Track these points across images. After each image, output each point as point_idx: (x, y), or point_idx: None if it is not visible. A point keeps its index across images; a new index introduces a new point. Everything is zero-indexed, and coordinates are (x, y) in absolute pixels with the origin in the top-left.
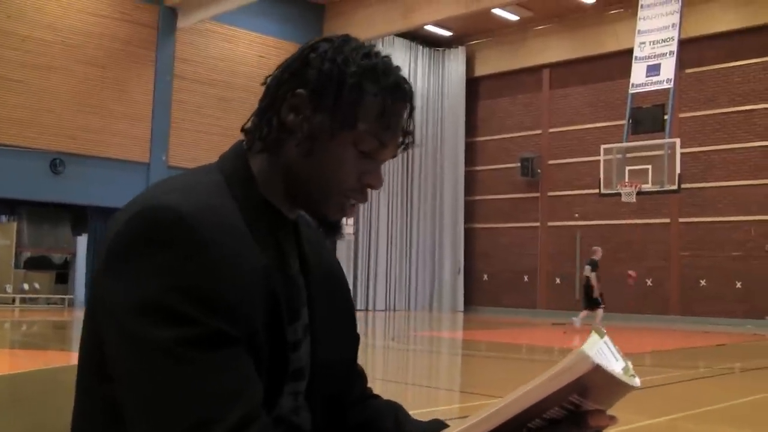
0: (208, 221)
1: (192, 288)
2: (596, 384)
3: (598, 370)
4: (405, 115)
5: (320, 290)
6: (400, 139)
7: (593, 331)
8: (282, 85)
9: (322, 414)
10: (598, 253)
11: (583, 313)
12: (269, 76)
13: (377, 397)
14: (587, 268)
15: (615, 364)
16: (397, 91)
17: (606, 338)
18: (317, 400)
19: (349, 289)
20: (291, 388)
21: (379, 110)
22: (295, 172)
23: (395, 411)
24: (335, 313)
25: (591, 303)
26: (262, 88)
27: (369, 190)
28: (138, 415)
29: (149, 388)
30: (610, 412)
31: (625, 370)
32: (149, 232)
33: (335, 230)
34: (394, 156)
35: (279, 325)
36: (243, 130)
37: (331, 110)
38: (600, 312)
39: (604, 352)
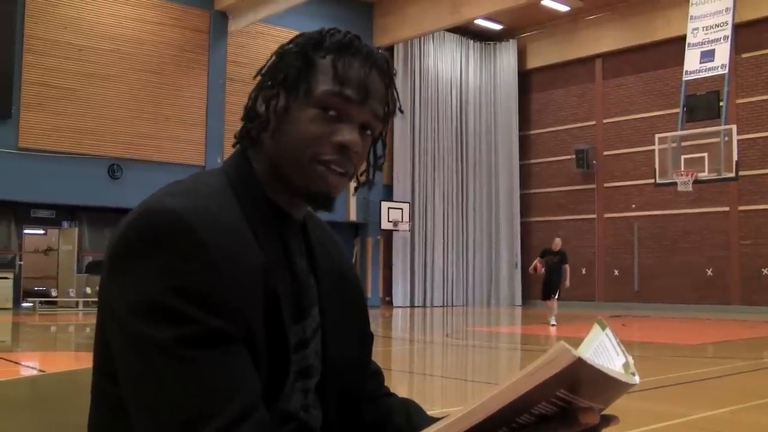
0: (206, 222)
1: (190, 288)
2: (586, 379)
3: (581, 364)
4: (363, 69)
5: (331, 290)
6: (364, 93)
7: (596, 323)
8: (257, 84)
9: (336, 411)
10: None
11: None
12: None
13: (392, 395)
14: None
15: (615, 358)
16: (344, 47)
17: (608, 331)
18: (329, 398)
19: (362, 290)
20: (300, 386)
21: (330, 69)
22: (272, 156)
23: (407, 408)
24: (347, 312)
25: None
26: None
27: (349, 151)
28: (139, 411)
29: (149, 386)
30: (610, 411)
31: (626, 366)
32: (148, 235)
33: (323, 203)
34: (377, 117)
35: (279, 322)
36: (236, 135)
37: (285, 86)
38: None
39: (605, 345)
